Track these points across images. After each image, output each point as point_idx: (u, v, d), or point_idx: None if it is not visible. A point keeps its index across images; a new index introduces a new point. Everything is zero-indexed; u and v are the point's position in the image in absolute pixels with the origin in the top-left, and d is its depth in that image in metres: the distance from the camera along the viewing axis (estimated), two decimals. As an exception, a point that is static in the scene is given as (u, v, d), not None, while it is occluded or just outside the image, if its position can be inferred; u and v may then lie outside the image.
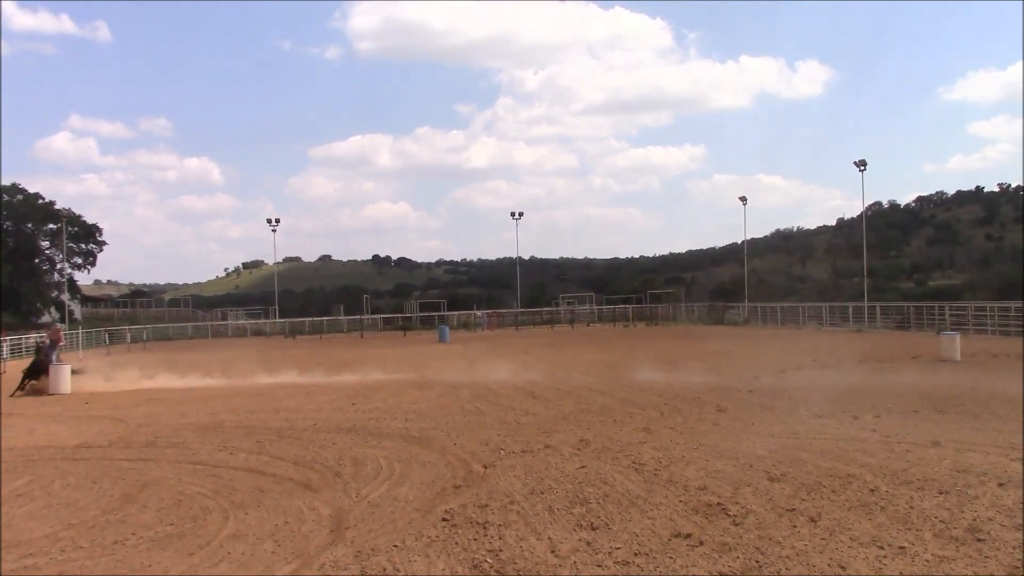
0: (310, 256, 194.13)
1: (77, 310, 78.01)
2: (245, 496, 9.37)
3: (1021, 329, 34.29)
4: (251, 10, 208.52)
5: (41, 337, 24.18)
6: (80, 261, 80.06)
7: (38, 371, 23.02)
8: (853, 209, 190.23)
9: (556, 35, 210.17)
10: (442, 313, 66.05)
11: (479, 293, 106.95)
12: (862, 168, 55.03)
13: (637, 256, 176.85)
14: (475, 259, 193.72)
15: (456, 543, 7.27)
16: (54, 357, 23.19)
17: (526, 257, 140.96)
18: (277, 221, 68.41)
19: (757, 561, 6.57)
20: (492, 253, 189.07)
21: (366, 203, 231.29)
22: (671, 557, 6.73)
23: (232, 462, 11.50)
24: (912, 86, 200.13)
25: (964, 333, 30.48)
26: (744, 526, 7.46)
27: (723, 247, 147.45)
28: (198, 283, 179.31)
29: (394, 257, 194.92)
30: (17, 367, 34.11)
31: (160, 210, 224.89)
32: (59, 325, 25.70)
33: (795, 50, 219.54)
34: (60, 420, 16.81)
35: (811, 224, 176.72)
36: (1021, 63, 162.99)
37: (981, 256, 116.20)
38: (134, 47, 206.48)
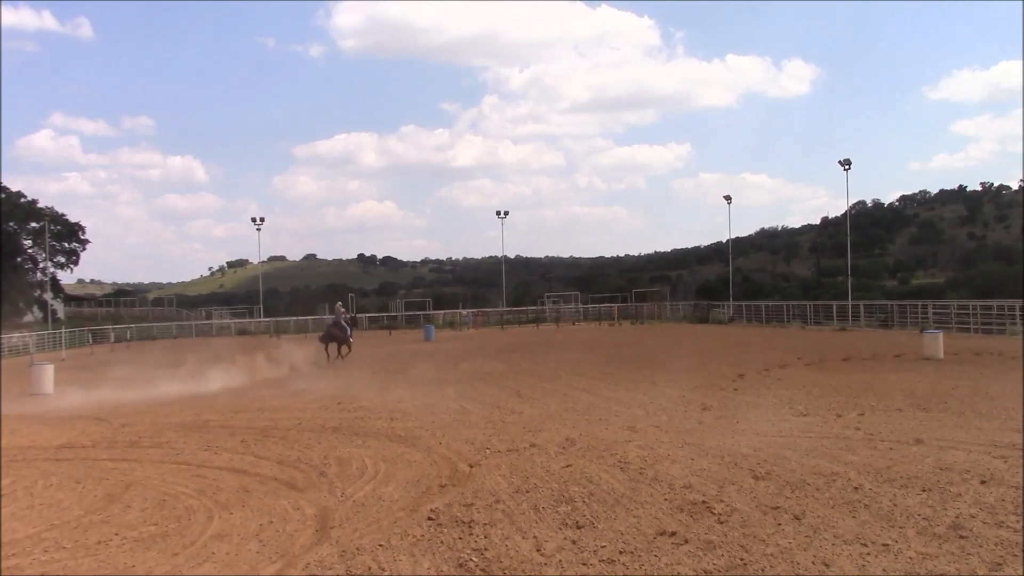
0: (295, 255, 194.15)
1: (60, 309, 77.42)
2: (229, 496, 9.33)
3: (1016, 328, 34.47)
4: (234, 7, 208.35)
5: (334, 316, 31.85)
6: (63, 260, 79.51)
7: (329, 338, 29.90)
8: (837, 208, 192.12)
9: (542, 33, 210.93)
10: (428, 312, 65.96)
11: (465, 292, 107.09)
12: (846, 167, 55.30)
13: (622, 255, 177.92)
14: (460, 258, 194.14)
15: (441, 542, 7.27)
16: (348, 329, 30.44)
17: (512, 256, 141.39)
18: (262, 220, 67.99)
19: (741, 559, 6.59)
20: (477, 252, 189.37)
21: (351, 202, 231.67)
22: (656, 555, 6.75)
23: (216, 462, 11.45)
24: (897, 85, 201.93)
25: (947, 331, 30.70)
26: (729, 524, 7.49)
27: (708, 246, 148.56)
28: (182, 282, 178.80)
29: (379, 256, 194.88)
30: (10, 366, 33.87)
31: (143, 209, 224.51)
32: (340, 304, 35.14)
33: (781, 49, 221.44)
34: (43, 420, 16.68)
35: (796, 223, 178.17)
36: (1005, 63, 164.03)
37: (964, 255, 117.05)
38: (117, 45, 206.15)
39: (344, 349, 29.82)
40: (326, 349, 29.75)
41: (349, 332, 30.45)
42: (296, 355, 28.88)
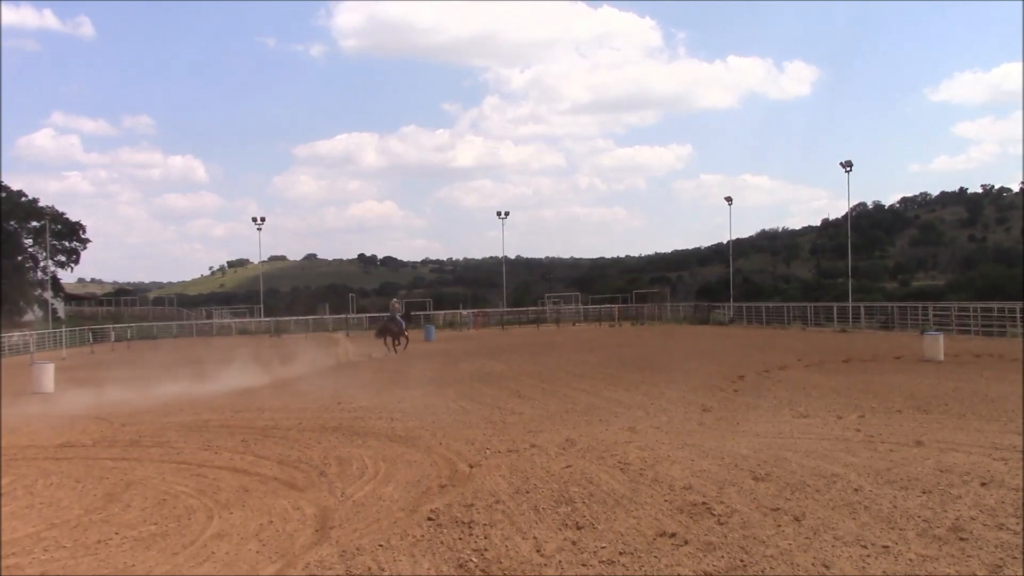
0: (295, 255, 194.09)
1: (60, 308, 77.42)
2: (229, 495, 9.33)
3: (1005, 329, 34.48)
4: (235, 7, 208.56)
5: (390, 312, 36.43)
6: (63, 259, 79.53)
7: (384, 332, 34.36)
8: (838, 209, 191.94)
9: (542, 33, 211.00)
10: (428, 312, 65.94)
11: (465, 292, 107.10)
12: (847, 169, 55.30)
13: (623, 256, 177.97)
14: (461, 258, 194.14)
15: (441, 542, 7.26)
16: (403, 323, 34.67)
17: (512, 256, 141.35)
18: (262, 220, 68.00)
19: (741, 560, 6.59)
20: (478, 252, 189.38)
21: (351, 202, 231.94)
22: (656, 556, 6.74)
23: (216, 461, 11.45)
24: (898, 86, 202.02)
25: (947, 333, 30.68)
26: (729, 525, 7.48)
27: (708, 247, 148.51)
28: (183, 282, 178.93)
29: (380, 256, 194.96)
30: (11, 364, 33.89)
31: (144, 208, 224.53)
32: (395, 300, 41.48)
33: (782, 50, 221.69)
34: (43, 419, 16.68)
35: (796, 224, 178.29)
36: (1006, 65, 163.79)
37: (964, 257, 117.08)
38: (118, 44, 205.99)
39: (401, 341, 33.81)
40: (384, 342, 33.86)
41: (404, 326, 34.66)
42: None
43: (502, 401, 17.16)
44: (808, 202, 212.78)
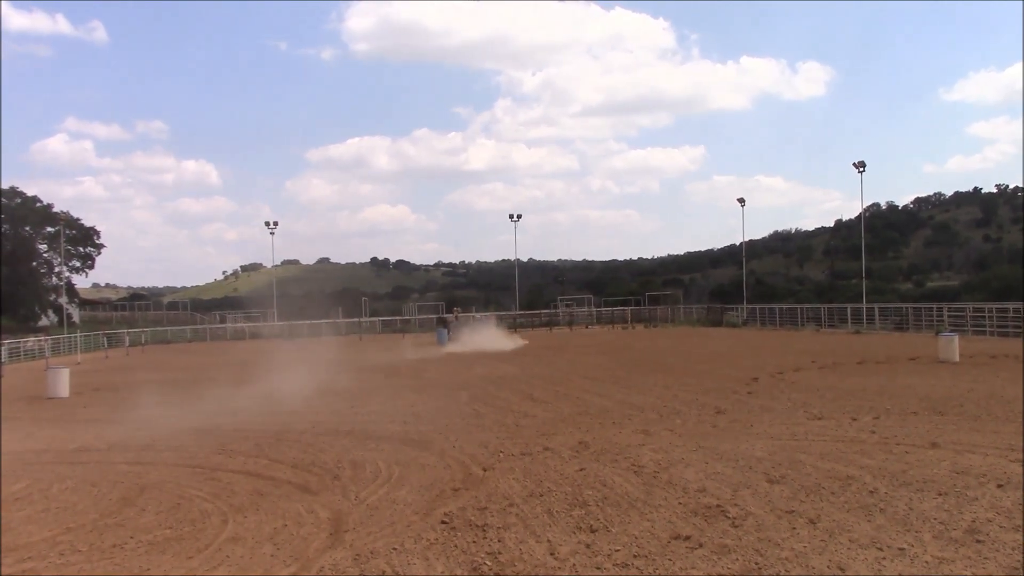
0: (308, 259, 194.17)
1: (75, 314, 77.80)
2: (244, 499, 9.36)
3: (1020, 330, 34.26)
4: (247, 11, 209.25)
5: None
6: (78, 264, 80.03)
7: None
8: (851, 210, 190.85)
9: (554, 36, 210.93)
10: (441, 316, 65.89)
11: (478, 295, 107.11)
12: (861, 169, 55.04)
13: (635, 258, 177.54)
14: (473, 261, 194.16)
15: (455, 546, 7.27)
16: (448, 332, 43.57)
17: (524, 259, 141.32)
18: (275, 224, 68.20)
19: (756, 563, 6.56)
20: (490, 255, 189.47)
21: (364, 206, 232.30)
22: (670, 559, 6.73)
23: (230, 465, 11.49)
24: (912, 87, 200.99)
25: (962, 334, 30.46)
26: (743, 528, 7.46)
27: (721, 249, 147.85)
28: (196, 286, 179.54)
29: (392, 260, 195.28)
30: (15, 370, 34.13)
31: (157, 213, 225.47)
32: (456, 309, 52.20)
33: (796, 51, 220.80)
34: (58, 423, 16.77)
35: (809, 225, 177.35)
36: (1020, 64, 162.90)
37: (979, 257, 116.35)
38: (131, 48, 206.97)
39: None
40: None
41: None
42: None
43: (515, 404, 17.16)
44: (821, 203, 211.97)
